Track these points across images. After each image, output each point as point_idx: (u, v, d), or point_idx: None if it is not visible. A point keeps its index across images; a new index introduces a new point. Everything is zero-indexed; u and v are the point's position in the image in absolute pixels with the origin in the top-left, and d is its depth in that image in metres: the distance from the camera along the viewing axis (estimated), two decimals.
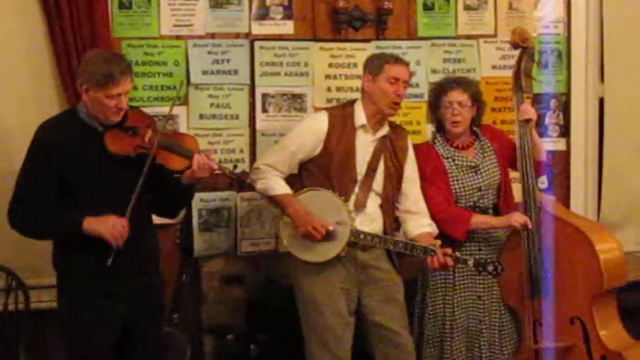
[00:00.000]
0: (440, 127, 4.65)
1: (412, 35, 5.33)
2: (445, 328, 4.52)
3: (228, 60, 4.99)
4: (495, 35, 5.45)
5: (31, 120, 3.98)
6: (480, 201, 4.50)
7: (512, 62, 5.40)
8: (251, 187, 4.27)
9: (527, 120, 4.48)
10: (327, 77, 5.19)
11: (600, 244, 4.29)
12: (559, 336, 4.33)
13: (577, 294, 4.29)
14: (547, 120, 5.53)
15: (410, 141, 4.59)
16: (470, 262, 4.21)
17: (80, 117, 3.78)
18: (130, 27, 4.83)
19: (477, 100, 4.56)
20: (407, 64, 4.43)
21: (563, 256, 4.33)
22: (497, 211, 4.54)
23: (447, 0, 5.36)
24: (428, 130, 5.35)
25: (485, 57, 5.43)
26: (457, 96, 4.50)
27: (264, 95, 5.04)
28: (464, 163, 4.53)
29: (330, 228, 4.21)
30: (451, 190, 4.49)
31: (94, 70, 3.66)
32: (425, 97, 5.33)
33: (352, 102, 4.48)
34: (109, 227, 3.65)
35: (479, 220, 4.44)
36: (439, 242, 4.27)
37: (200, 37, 4.96)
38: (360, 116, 4.38)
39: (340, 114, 4.40)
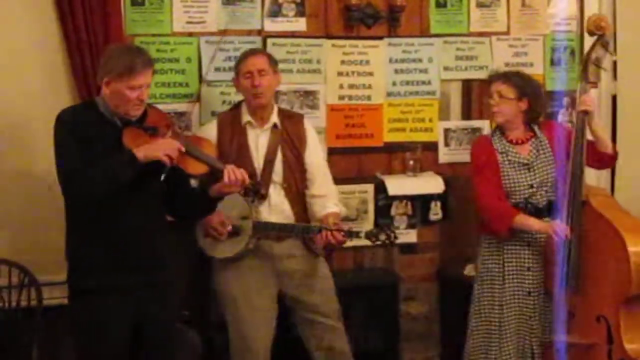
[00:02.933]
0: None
1: (424, 32, 5.33)
2: (492, 325, 4.51)
3: None
4: (508, 33, 5.45)
5: (44, 116, 3.98)
6: (533, 198, 4.47)
7: (525, 59, 5.43)
8: (264, 197, 4.30)
9: (585, 112, 4.37)
10: (340, 74, 5.20)
11: (636, 245, 4.16)
12: (584, 332, 4.27)
13: (606, 293, 4.22)
14: (559, 118, 5.51)
15: (309, 127, 4.63)
16: (362, 234, 4.33)
17: (100, 109, 3.77)
18: (143, 24, 4.84)
19: (524, 95, 4.48)
20: (258, 53, 4.54)
21: (598, 253, 4.26)
22: (552, 208, 4.49)
23: None
24: (440, 127, 5.37)
25: (497, 54, 5.43)
26: (497, 86, 4.48)
27: (277, 92, 5.03)
28: (517, 160, 4.49)
29: (227, 222, 4.33)
30: (502, 185, 4.48)
31: (116, 62, 3.68)
32: (438, 95, 5.35)
33: (240, 103, 4.57)
34: (161, 147, 3.66)
35: (522, 221, 4.38)
36: (333, 219, 4.41)
37: (212, 33, 4.96)
38: (244, 114, 4.49)
39: (230, 116, 4.53)
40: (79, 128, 3.70)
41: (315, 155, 4.60)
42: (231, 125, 4.46)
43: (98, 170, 3.62)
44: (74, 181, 3.66)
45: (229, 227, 4.33)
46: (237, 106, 4.58)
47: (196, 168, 3.83)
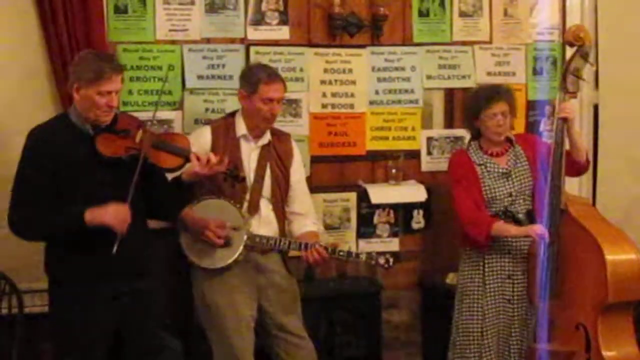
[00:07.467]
0: (475, 135, 4.65)
1: (407, 41, 5.35)
2: (472, 336, 4.54)
3: (223, 65, 5.00)
4: (490, 42, 5.48)
5: (25, 124, 3.96)
6: (512, 206, 4.51)
7: (508, 68, 5.44)
8: (243, 180, 4.30)
9: (564, 119, 4.40)
10: (323, 82, 5.21)
11: (613, 254, 4.17)
12: (564, 340, 4.29)
13: (584, 302, 4.24)
14: (541, 127, 5.54)
15: (295, 146, 4.65)
16: (363, 256, 4.39)
17: (72, 121, 3.79)
18: (126, 31, 4.84)
19: (514, 108, 4.58)
20: (281, 80, 4.46)
21: (577, 261, 4.28)
22: (531, 217, 4.53)
23: (442, 7, 5.38)
24: (423, 136, 5.38)
25: (480, 64, 5.45)
26: (501, 107, 4.50)
27: None
28: (496, 170, 4.54)
29: (228, 224, 4.29)
30: (482, 196, 4.51)
31: (85, 68, 3.70)
32: (420, 103, 5.37)
33: (233, 113, 4.55)
34: (112, 214, 3.66)
35: (500, 227, 4.43)
36: (319, 238, 4.51)
37: (195, 42, 4.97)
38: (240, 127, 4.46)
39: (223, 126, 4.49)
40: (48, 144, 3.71)
41: (300, 173, 4.64)
42: (225, 136, 4.44)
43: (43, 219, 3.70)
44: (18, 217, 3.72)
45: (229, 225, 4.30)
46: (231, 116, 4.55)
47: (171, 162, 3.87)
